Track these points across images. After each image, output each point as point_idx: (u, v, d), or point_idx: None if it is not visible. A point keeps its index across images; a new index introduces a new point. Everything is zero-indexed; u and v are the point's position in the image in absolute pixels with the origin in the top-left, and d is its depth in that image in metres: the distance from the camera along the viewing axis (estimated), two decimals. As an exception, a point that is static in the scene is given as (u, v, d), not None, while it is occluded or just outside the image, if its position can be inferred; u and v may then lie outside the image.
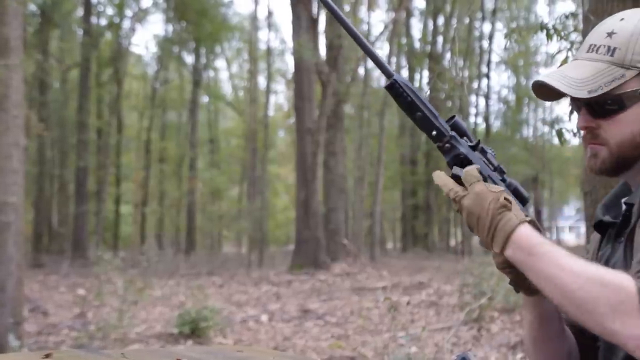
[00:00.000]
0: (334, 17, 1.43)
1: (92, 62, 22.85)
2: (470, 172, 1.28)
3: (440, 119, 1.35)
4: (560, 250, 1.25)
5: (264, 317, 9.49)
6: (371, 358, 6.65)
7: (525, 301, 1.44)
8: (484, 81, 28.41)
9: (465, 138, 1.37)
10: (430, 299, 10.59)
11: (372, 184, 23.07)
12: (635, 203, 1.32)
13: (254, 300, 11.44)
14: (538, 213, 27.43)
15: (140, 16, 26.24)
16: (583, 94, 1.35)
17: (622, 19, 1.40)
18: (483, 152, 1.37)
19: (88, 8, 22.50)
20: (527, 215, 1.28)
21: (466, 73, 24.54)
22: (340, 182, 19.26)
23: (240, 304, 10.96)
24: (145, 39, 64.44)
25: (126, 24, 25.83)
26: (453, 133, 1.35)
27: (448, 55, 23.09)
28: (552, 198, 34.95)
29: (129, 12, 25.83)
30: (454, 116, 1.39)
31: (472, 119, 28.60)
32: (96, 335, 7.50)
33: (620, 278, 1.16)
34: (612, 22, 1.41)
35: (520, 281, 1.36)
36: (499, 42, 30.10)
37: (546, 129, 30.89)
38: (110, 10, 25.91)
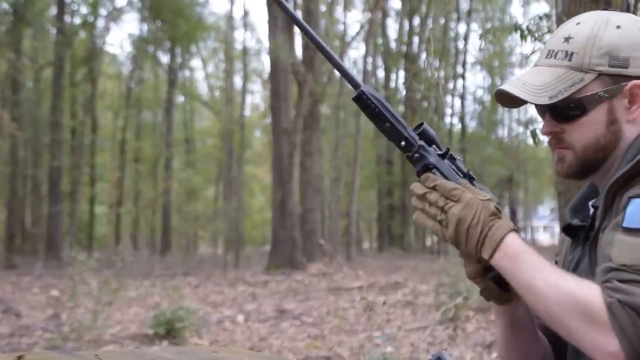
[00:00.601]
0: (300, 29, 1.42)
1: (65, 62, 22.61)
2: (446, 183, 1.29)
3: (408, 128, 1.36)
4: (541, 261, 1.26)
5: (240, 318, 9.46)
6: (347, 358, 6.66)
7: (496, 309, 1.46)
8: (460, 82, 28.63)
9: (434, 146, 1.37)
10: (406, 299, 10.62)
11: (349, 184, 23.12)
12: (600, 206, 1.33)
13: (230, 301, 11.40)
14: (513, 213, 27.67)
15: (115, 15, 26.06)
16: (544, 100, 1.36)
17: (578, 23, 1.41)
18: (452, 159, 1.38)
19: (61, 7, 22.27)
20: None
21: (442, 73, 24.66)
22: (317, 182, 19.27)
23: (216, 305, 10.92)
24: (120, 38, 64.06)
25: (100, 23, 25.66)
26: (422, 142, 1.35)
27: (424, 56, 23.18)
28: (527, 198, 35.27)
29: (103, 11, 25.65)
30: (422, 123, 1.40)
31: (447, 120, 28.78)
32: (70, 337, 7.43)
33: (592, 292, 1.18)
34: (569, 27, 1.42)
35: (490, 291, 1.38)
36: (474, 42, 30.37)
37: (521, 129, 31.16)
38: (84, 9, 25.72)
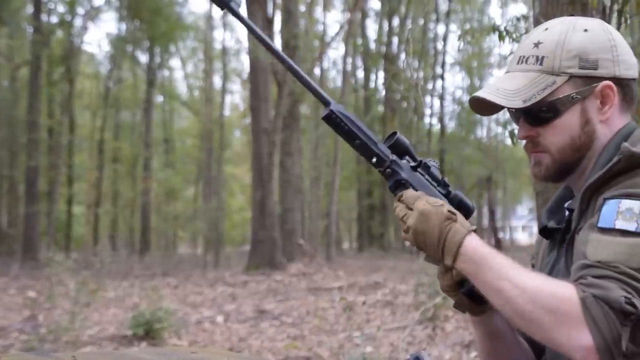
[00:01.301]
0: (266, 49, 1.42)
1: (42, 61, 22.40)
2: (408, 194, 1.32)
3: (379, 144, 1.38)
4: (507, 261, 1.27)
5: (220, 318, 9.44)
6: (327, 358, 6.66)
7: (472, 320, 1.48)
8: (439, 82, 28.78)
9: (407, 157, 1.39)
10: (385, 299, 10.65)
11: (328, 184, 23.13)
12: (575, 208, 1.35)
13: (209, 301, 11.36)
14: (492, 213, 27.84)
15: (93, 14, 25.87)
16: (518, 104, 1.38)
17: (546, 29, 1.44)
18: (426, 168, 1.39)
19: (38, 5, 22.06)
20: (471, 224, 1.32)
21: (421, 74, 24.80)
22: (297, 182, 19.26)
23: (195, 305, 10.88)
24: (98, 37, 63.51)
25: (78, 22, 25.45)
26: (394, 157, 1.37)
27: (403, 56, 23.28)
28: (506, 198, 35.49)
29: (80, 10, 25.44)
30: (394, 133, 1.41)
31: (427, 120, 28.91)
32: (47, 338, 7.36)
33: (563, 289, 1.19)
34: (538, 33, 1.45)
35: (464, 304, 1.41)
36: (453, 43, 30.44)
37: (499, 129, 31.35)
38: (61, 8, 25.48)
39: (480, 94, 1.42)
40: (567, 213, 1.43)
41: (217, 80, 28.99)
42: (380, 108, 28.20)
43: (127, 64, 29.28)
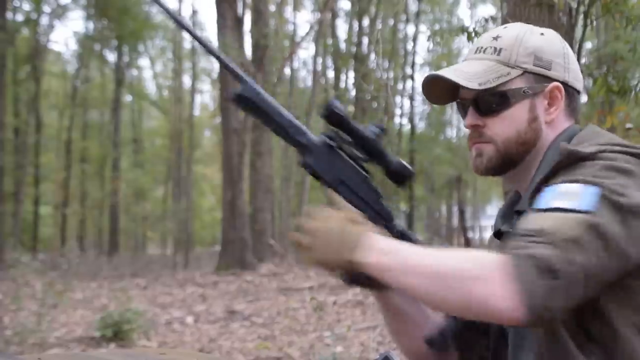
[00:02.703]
0: (177, 24, 1.49)
1: (8, 59, 22.04)
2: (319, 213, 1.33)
3: (303, 131, 1.42)
4: (416, 246, 1.28)
5: (190, 319, 9.38)
6: (297, 358, 6.66)
7: (375, 297, 1.52)
8: (409, 82, 28.88)
9: (340, 130, 1.41)
10: (356, 299, 10.67)
11: (299, 184, 23.12)
12: (525, 210, 1.35)
13: (179, 302, 11.29)
14: (462, 212, 28.02)
15: (59, 12, 25.54)
16: (474, 85, 1.42)
17: (505, 27, 1.50)
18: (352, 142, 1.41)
19: (3, 3, 21.67)
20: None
21: (391, 74, 24.91)
22: (267, 182, 19.22)
23: (164, 306, 10.80)
24: (65, 36, 62.80)
25: (44, 20, 25.10)
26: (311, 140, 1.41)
27: (373, 57, 23.35)
28: (475, 197, 35.81)
29: (47, 8, 25.09)
30: (329, 103, 1.43)
31: (397, 120, 29.03)
32: (13, 341, 7.26)
33: (487, 254, 1.19)
34: (497, 30, 1.51)
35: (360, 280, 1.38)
36: (423, 44, 30.68)
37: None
38: (27, 6, 25.10)
39: (439, 72, 1.44)
40: (516, 216, 1.44)
41: (186, 80, 28.87)
42: (351, 108, 28.21)
43: (95, 63, 28.98)
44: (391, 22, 25.52)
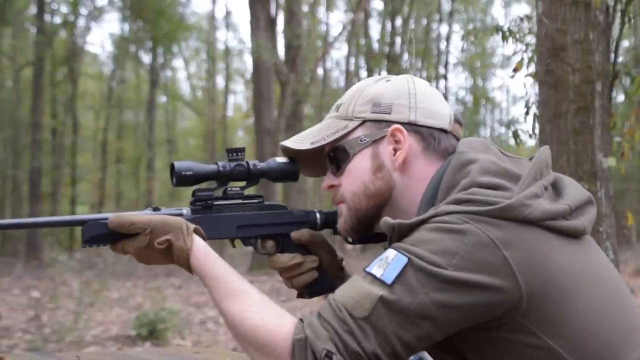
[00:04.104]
0: None
1: (46, 61, 22.41)
2: None
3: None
4: (233, 274, 1.35)
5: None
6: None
7: None
8: (442, 82, 28.69)
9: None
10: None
11: (331, 185, 23.11)
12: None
13: (212, 302, 11.35)
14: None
15: (96, 15, 25.86)
16: (305, 146, 1.40)
17: (358, 82, 1.46)
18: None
19: (41, 6, 22.07)
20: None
21: (424, 74, 24.79)
22: (300, 182, 19.26)
23: (198, 306, 10.88)
24: (101, 37, 63.53)
25: (81, 22, 25.45)
26: None
27: (406, 57, 23.27)
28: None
29: (84, 10, 25.44)
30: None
31: (430, 120, 28.87)
32: (51, 339, 7.37)
33: (281, 328, 1.23)
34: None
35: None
36: (456, 43, 30.46)
37: (503, 130, 31.35)
38: (64, 8, 25.50)
39: (284, 142, 1.46)
40: None
41: (220, 81, 29.01)
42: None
43: (130, 64, 29.27)
44: (424, 21, 25.39)
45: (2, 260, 19.72)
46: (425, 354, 1.42)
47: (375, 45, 28.65)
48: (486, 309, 1.16)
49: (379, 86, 1.40)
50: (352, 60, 26.23)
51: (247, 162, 1.45)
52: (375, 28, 40.03)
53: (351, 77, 25.34)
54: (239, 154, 1.45)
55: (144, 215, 1.36)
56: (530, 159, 1.33)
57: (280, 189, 18.52)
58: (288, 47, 18.26)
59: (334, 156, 1.41)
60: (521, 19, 4.92)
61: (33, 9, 23.06)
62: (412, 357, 1.42)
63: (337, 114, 1.42)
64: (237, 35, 48.18)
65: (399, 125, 1.36)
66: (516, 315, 1.17)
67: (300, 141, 1.42)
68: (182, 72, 41.58)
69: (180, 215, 1.42)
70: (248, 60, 31.66)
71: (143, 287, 13.04)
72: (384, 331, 1.15)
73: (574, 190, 1.31)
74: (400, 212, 1.36)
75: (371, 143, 1.37)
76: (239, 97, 39.74)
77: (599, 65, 3.95)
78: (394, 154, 1.36)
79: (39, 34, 21.91)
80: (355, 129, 1.38)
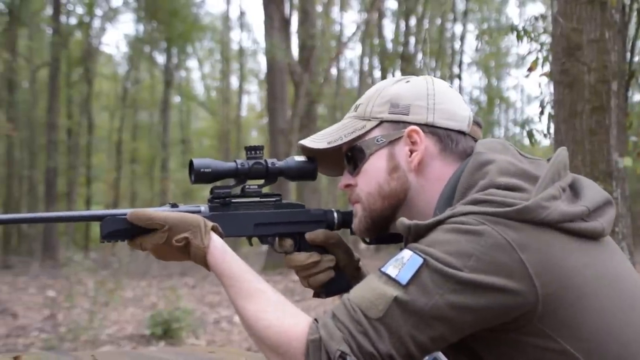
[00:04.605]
0: None
1: (61, 62, 22.56)
2: None
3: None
4: (249, 273, 1.33)
5: (237, 318, 9.43)
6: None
7: None
8: (456, 82, 28.60)
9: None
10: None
11: (345, 185, 23.08)
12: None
13: (226, 301, 11.38)
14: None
15: (111, 15, 26.00)
16: (322, 145, 1.40)
17: (377, 83, 1.46)
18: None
19: (57, 7, 22.22)
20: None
21: (438, 74, 24.71)
22: (314, 182, 19.26)
23: (213, 305, 10.91)
24: (115, 38, 63.91)
25: (96, 23, 25.60)
26: None
27: (420, 56, 23.22)
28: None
29: (99, 11, 25.59)
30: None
31: (444, 120, 28.79)
32: (66, 337, 7.42)
33: (295, 328, 1.22)
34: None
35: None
36: (471, 43, 30.33)
37: (517, 129, 31.22)
38: (80, 9, 25.65)
39: (302, 141, 1.46)
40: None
41: (234, 81, 29.13)
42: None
43: (145, 64, 29.40)
44: (438, 21, 25.32)
45: (19, 259, 19.88)
46: (440, 355, 1.41)
47: (389, 45, 28.62)
48: (501, 312, 1.16)
49: (398, 87, 1.40)
50: (366, 60, 26.21)
51: (265, 161, 1.45)
52: (389, 28, 39.96)
53: (365, 77, 25.32)
54: (258, 152, 1.45)
55: (162, 212, 1.37)
56: (548, 160, 1.32)
57: (294, 188, 18.52)
58: (302, 47, 18.27)
59: (350, 156, 1.41)
60: (536, 19, 4.89)
61: (49, 10, 23.23)
62: (427, 358, 1.41)
63: (356, 114, 1.42)
64: (251, 35, 48.40)
65: (415, 127, 1.36)
66: (532, 318, 1.16)
67: (318, 140, 1.42)
68: (197, 72, 41.72)
69: (198, 212, 1.42)
70: (262, 61, 31.79)
71: (157, 286, 13.09)
72: (398, 332, 1.15)
73: (593, 192, 1.30)
74: (416, 213, 1.36)
75: (388, 144, 1.37)
76: (253, 97, 39.83)
77: (614, 65, 3.93)
78: (410, 155, 1.36)
79: (54, 34, 22.06)
80: (372, 129, 1.38)
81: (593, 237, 1.23)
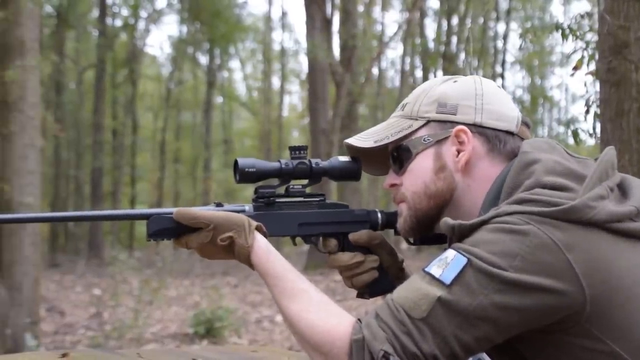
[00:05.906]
0: None
1: (107, 63, 22.95)
2: None
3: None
4: (293, 272, 1.35)
5: (279, 318, 9.49)
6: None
7: None
8: (499, 81, 28.28)
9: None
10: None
11: (387, 185, 22.99)
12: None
13: (268, 301, 11.44)
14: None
15: (155, 17, 26.36)
16: (369, 144, 1.39)
17: (425, 82, 1.45)
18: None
19: (103, 9, 22.61)
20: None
21: (481, 73, 24.46)
22: (355, 182, 19.23)
23: (254, 304, 10.97)
24: (159, 40, 64.69)
25: (141, 25, 25.97)
26: None
27: (462, 56, 23.03)
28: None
29: (143, 13, 25.96)
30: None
31: (487, 119, 28.52)
32: (112, 335, 7.54)
33: (339, 327, 1.21)
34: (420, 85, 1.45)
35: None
36: (514, 42, 29.99)
37: (562, 129, 30.71)
38: (125, 11, 26.05)
39: (348, 140, 1.46)
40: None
41: (275, 81, 29.26)
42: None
43: (188, 65, 29.72)
44: (481, 20, 25.06)
45: (66, 258, 20.29)
46: (484, 356, 1.40)
47: (431, 45, 28.46)
48: (548, 312, 1.15)
49: (446, 86, 1.39)
50: (408, 59, 26.07)
51: (309, 161, 1.46)
52: (431, 27, 39.72)
53: (406, 77, 25.20)
54: (302, 152, 1.46)
55: (207, 211, 1.39)
56: (596, 159, 1.30)
57: (335, 188, 18.52)
58: (343, 47, 18.27)
59: (396, 155, 1.41)
60: (582, 16, 4.81)
61: (95, 12, 23.65)
62: (471, 359, 1.41)
63: (402, 113, 1.42)
64: (293, 35, 48.52)
65: (463, 127, 1.35)
66: (580, 319, 1.15)
67: (364, 139, 1.42)
68: (239, 73, 41.97)
69: (243, 211, 1.43)
70: (303, 61, 31.84)
71: (200, 285, 13.22)
72: (442, 332, 1.14)
73: None
74: (462, 213, 1.35)
75: (434, 143, 1.36)
76: (295, 98, 39.94)
77: (663, 63, 3.84)
78: (457, 155, 1.35)
79: (100, 36, 22.45)
80: (419, 128, 1.38)
81: None
